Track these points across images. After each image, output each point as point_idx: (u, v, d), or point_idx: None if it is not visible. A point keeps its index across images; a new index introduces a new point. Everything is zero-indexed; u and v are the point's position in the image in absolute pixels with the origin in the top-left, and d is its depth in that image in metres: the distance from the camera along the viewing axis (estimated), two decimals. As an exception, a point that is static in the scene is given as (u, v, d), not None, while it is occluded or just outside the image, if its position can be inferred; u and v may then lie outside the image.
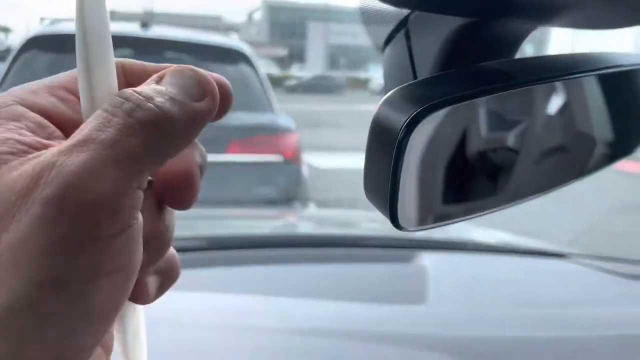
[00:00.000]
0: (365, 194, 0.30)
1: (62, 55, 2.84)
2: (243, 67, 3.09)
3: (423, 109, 0.27)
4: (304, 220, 1.74)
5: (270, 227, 1.43)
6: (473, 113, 0.30)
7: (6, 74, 2.77)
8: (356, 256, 1.15)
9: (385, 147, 0.27)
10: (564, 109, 0.33)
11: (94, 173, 0.20)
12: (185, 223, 1.73)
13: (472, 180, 0.32)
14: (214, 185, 2.56)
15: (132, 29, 3.13)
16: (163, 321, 0.84)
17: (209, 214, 1.65)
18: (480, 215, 0.33)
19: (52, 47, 2.84)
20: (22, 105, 0.24)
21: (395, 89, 0.29)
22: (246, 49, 3.21)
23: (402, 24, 0.35)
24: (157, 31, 3.16)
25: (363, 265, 1.12)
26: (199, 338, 0.81)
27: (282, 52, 44.06)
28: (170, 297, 0.95)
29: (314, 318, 0.89)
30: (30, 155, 0.21)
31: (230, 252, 1.10)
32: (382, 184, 0.28)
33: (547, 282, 1.11)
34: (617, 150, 0.39)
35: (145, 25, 3.13)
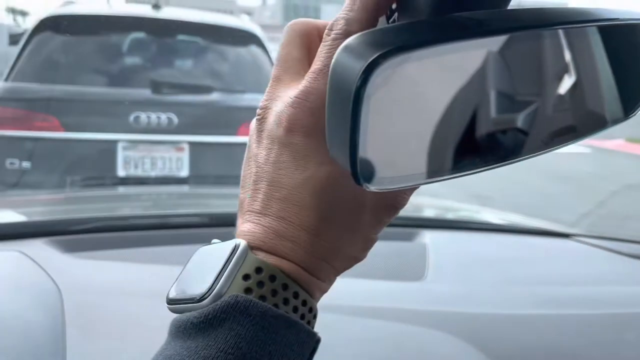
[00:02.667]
0: (329, 149, 0.28)
1: (75, 37, 2.83)
2: (254, 49, 3.06)
3: (383, 53, 0.24)
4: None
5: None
6: (447, 61, 0.28)
7: (19, 56, 2.76)
8: None
9: (342, 96, 0.25)
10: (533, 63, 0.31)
11: None
12: (186, 202, 1.73)
13: (443, 137, 0.29)
14: (224, 165, 2.56)
15: (143, 10, 3.12)
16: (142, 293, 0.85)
17: (213, 192, 1.64)
18: (452, 178, 0.30)
19: (66, 28, 2.83)
20: None
21: (357, 34, 0.27)
22: (257, 30, 3.18)
23: None
24: (169, 13, 3.15)
25: None
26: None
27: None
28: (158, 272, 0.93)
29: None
30: None
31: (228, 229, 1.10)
32: (343, 138, 0.26)
33: (550, 261, 1.10)
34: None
35: (156, 7, 3.11)
